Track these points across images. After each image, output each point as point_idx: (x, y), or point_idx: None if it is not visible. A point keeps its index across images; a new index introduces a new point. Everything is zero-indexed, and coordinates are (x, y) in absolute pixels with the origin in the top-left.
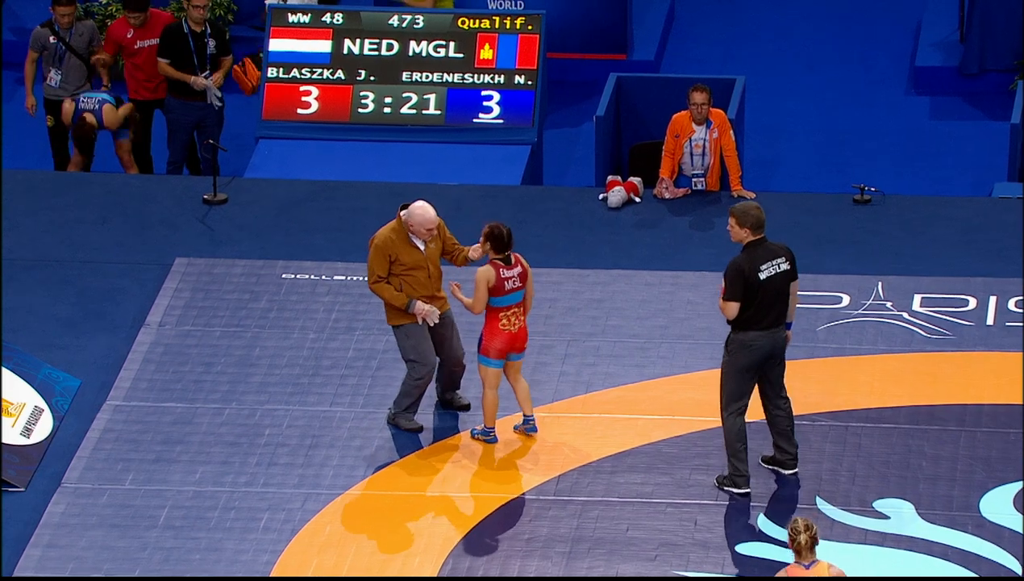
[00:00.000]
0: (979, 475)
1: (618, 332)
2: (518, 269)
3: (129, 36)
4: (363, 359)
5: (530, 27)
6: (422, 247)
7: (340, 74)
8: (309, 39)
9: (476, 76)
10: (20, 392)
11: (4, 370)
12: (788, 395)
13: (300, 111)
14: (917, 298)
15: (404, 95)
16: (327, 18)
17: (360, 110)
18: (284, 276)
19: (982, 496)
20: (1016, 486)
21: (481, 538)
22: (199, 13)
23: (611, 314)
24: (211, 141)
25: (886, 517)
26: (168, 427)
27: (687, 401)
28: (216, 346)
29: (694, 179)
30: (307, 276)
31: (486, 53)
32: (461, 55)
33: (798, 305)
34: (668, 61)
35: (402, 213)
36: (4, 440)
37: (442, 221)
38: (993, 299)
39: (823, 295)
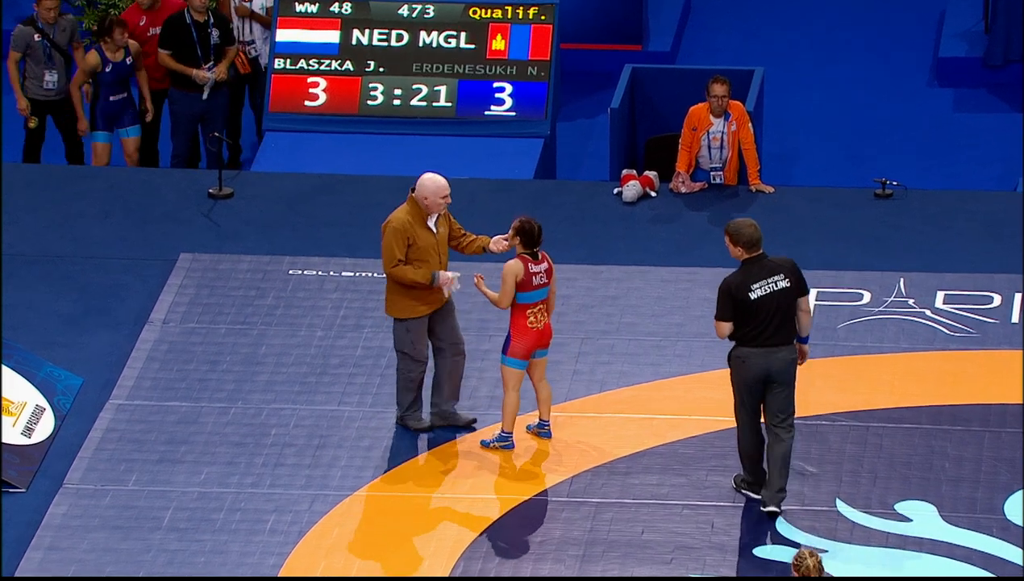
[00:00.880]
0: (1004, 477)
1: (633, 330)
2: (544, 265)
3: (141, 24)
4: (372, 357)
5: (543, 17)
6: (434, 229)
7: (348, 65)
8: (317, 29)
9: (488, 67)
10: (21, 391)
11: (4, 368)
12: (792, 425)
13: (307, 103)
14: (940, 295)
15: (414, 87)
16: (335, 7)
17: (369, 102)
18: (291, 272)
19: (1007, 498)
20: None
21: (493, 540)
22: (201, 2)
23: (626, 311)
24: (216, 134)
25: (908, 520)
26: (172, 427)
27: (704, 400)
28: (221, 344)
29: (712, 173)
30: (314, 272)
31: (498, 44)
32: (472, 46)
33: (812, 316)
34: (685, 52)
35: (413, 194)
36: (4, 440)
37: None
38: (1018, 296)
39: (843, 292)
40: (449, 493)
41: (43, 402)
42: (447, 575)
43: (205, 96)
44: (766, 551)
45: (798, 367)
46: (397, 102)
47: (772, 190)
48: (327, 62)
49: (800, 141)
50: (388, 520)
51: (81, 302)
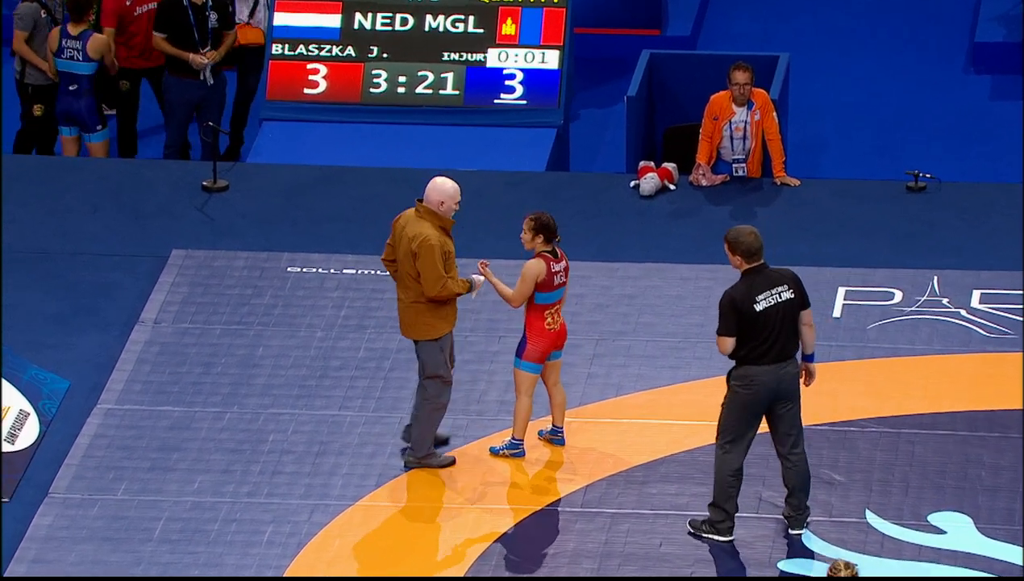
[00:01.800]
0: None
1: (651, 330)
2: (563, 263)
3: (128, 3)
4: (375, 359)
5: (556, 0)
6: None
7: (350, 51)
8: (316, 12)
9: (497, 53)
10: (4, 395)
11: None
12: (803, 446)
13: (307, 91)
14: (976, 294)
15: (419, 74)
16: None
17: (372, 90)
18: (290, 269)
19: None
20: None
21: (502, 553)
22: None
23: (643, 311)
24: (210, 123)
25: (942, 532)
26: (164, 433)
27: None
28: (216, 345)
29: (734, 165)
30: (315, 269)
31: (508, 28)
32: (481, 30)
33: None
34: (705, 37)
35: (424, 203)
36: None
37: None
38: None
39: (873, 291)
40: (457, 503)
41: (27, 407)
42: None
43: (207, 81)
44: (791, 565)
45: (809, 385)
46: (401, 90)
47: (798, 183)
48: (327, 47)
49: (827, 131)
50: (392, 532)
51: (68, 301)
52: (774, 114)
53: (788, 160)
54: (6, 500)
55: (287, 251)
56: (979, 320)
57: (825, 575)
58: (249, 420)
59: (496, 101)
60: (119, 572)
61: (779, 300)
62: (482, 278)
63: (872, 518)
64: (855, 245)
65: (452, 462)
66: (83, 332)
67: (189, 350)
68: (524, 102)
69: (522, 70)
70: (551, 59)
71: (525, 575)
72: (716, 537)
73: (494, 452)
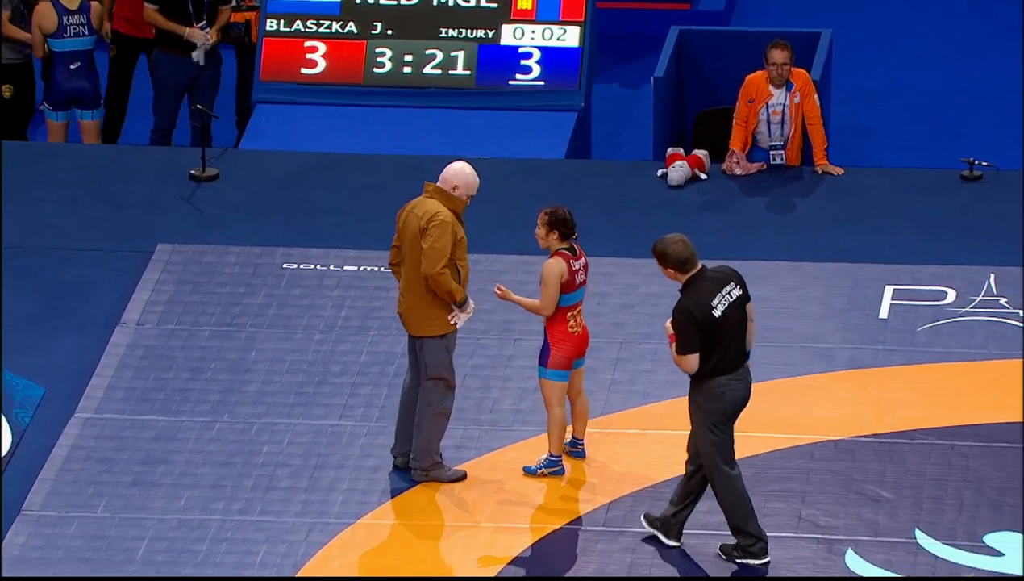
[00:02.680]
0: None
1: None
2: (583, 260)
3: None
4: (378, 364)
5: None
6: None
7: (352, 27)
8: None
9: (512, 29)
10: None
11: None
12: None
13: (304, 71)
14: None
15: (427, 52)
16: None
17: (375, 70)
18: (285, 266)
19: None
20: None
21: (517, 576)
22: None
23: (671, 312)
24: (200, 106)
25: (999, 554)
26: (148, 444)
27: (761, 414)
28: (205, 348)
29: (771, 152)
30: (312, 266)
31: (524, 2)
32: (495, 4)
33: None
34: (740, 12)
35: (438, 186)
36: None
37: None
38: None
39: (924, 290)
40: (467, 522)
41: None
42: None
43: (199, 60)
44: None
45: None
46: (408, 70)
47: (841, 172)
48: (327, 23)
49: (874, 115)
50: (396, 552)
51: (43, 301)
52: (815, 96)
53: (830, 146)
54: None
55: (283, 246)
56: None
57: None
58: (241, 430)
59: (511, 82)
60: None
61: (731, 300)
62: (472, 308)
63: (922, 538)
64: (904, 240)
65: (463, 476)
66: (60, 334)
67: (175, 354)
68: (541, 83)
69: (539, 48)
70: (571, 36)
71: None
72: (751, 561)
73: (530, 472)
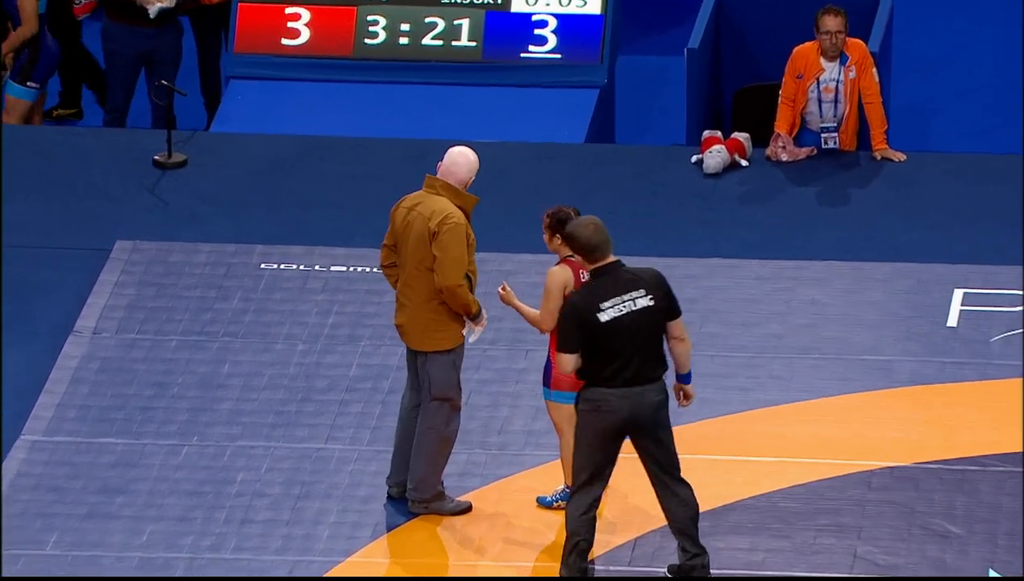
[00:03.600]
0: None
1: (717, 343)
2: None
3: None
4: (371, 379)
5: None
6: None
7: None
8: None
9: None
10: None
11: None
12: (685, 477)
13: (285, 41)
14: None
15: (427, 20)
16: None
17: (367, 41)
18: (264, 266)
19: None
20: None
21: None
22: None
23: (707, 319)
24: (163, 82)
25: None
26: (105, 471)
27: (811, 438)
28: (171, 361)
29: (823, 135)
30: (295, 266)
31: None
32: None
33: (691, 350)
34: None
35: (439, 177)
36: None
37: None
38: None
39: (996, 294)
40: (471, 560)
41: None
42: None
43: (153, 15)
44: None
45: (687, 406)
46: (404, 41)
47: (903, 158)
48: None
49: (939, 93)
50: None
51: None
52: (873, 71)
53: (891, 129)
54: None
55: (260, 243)
56: None
57: None
58: (212, 455)
59: (523, 55)
60: None
61: (632, 308)
62: (484, 322)
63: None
64: (974, 237)
65: (467, 508)
66: (4, 345)
67: (137, 367)
68: (558, 56)
69: (555, 16)
70: (592, 2)
71: None
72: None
73: (544, 504)
